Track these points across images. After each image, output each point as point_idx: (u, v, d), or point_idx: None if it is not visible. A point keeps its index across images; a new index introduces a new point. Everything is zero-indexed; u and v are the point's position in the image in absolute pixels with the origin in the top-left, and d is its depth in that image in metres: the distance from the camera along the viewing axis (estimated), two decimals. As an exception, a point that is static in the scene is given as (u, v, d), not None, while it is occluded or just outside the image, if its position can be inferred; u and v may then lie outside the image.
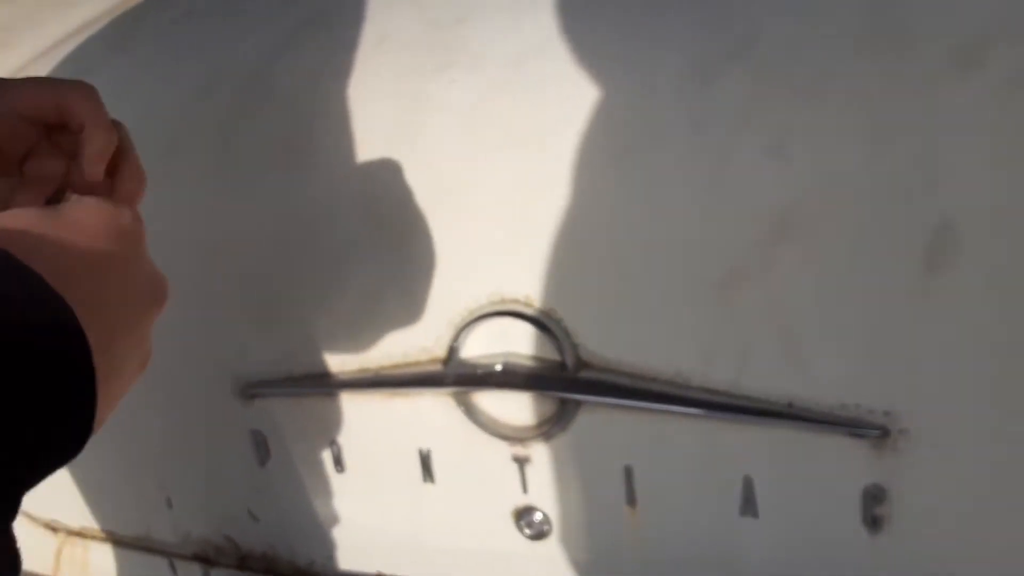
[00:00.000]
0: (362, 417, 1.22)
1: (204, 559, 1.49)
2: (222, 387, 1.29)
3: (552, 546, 1.19)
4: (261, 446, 1.31)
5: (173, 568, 1.53)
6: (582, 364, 1.07)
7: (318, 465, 1.28)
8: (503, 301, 1.07)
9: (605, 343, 1.05)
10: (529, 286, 1.06)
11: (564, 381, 1.07)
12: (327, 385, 1.19)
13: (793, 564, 1.08)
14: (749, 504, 1.06)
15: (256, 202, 1.21)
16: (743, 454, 1.04)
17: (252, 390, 1.26)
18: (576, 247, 1.03)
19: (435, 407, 1.16)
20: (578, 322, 1.05)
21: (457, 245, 1.09)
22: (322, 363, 1.20)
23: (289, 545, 1.40)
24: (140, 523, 1.52)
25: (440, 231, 1.09)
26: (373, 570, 1.35)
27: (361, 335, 1.16)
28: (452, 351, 1.10)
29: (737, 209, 0.97)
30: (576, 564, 1.19)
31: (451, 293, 1.09)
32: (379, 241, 1.12)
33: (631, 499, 1.11)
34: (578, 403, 1.09)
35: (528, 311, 1.05)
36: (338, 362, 1.18)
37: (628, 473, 1.10)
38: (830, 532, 1.04)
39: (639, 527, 1.13)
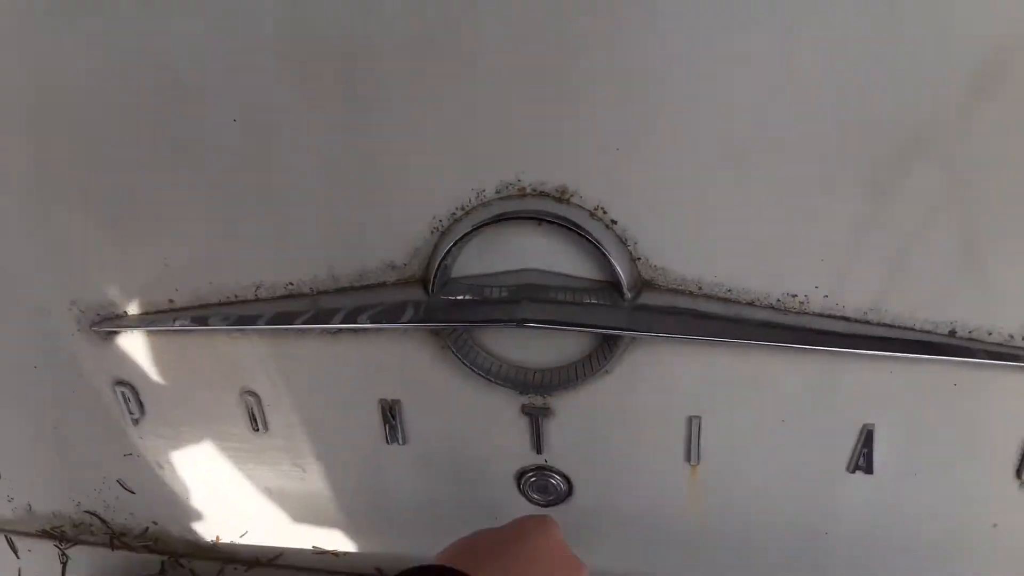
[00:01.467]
0: (295, 361, 0.88)
1: (57, 536, 1.15)
2: (66, 321, 0.90)
3: (571, 511, 0.93)
4: (131, 400, 0.94)
5: (12, 546, 1.17)
6: (643, 285, 0.76)
7: (224, 422, 0.94)
8: (522, 193, 0.72)
9: (680, 255, 0.75)
10: (569, 171, 0.72)
11: (616, 310, 0.76)
12: (235, 318, 0.83)
13: (913, 528, 0.87)
14: (863, 459, 0.82)
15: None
16: (866, 397, 0.79)
17: (110, 325, 0.88)
18: (645, 115, 0.70)
19: (408, 347, 0.85)
20: (642, 225, 0.73)
21: (449, 106, 0.72)
22: (226, 286, 0.83)
23: (181, 519, 1.08)
24: (-47, 496, 1.15)
25: (424, 84, 0.71)
26: (308, 545, 1.06)
27: (290, 243, 0.80)
28: (439, 268, 0.76)
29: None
30: (597, 531, 0.95)
31: (435, 180, 0.74)
32: (322, 96, 0.73)
33: (693, 455, 0.86)
34: (631, 339, 0.79)
35: (563, 210, 0.72)
36: (252, 284, 0.82)
37: (692, 425, 0.84)
38: (969, 487, 0.83)
39: (700, 490, 0.88)
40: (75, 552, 1.18)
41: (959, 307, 0.73)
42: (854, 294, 0.74)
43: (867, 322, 0.75)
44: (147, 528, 1.12)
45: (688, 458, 0.88)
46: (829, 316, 0.75)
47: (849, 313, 0.75)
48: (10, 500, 1.14)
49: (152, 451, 1.01)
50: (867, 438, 0.83)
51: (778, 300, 0.75)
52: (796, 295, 0.75)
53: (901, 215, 0.69)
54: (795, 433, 0.84)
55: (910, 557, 0.93)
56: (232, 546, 1.11)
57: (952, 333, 0.75)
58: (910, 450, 0.83)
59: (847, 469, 0.86)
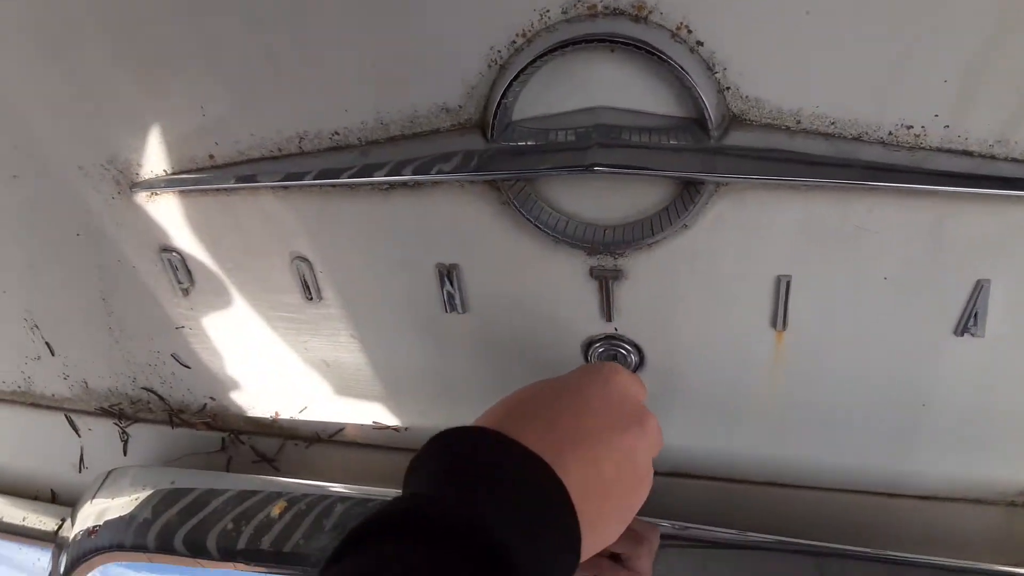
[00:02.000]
0: (346, 220, 0.82)
1: (116, 414, 1.14)
2: (105, 182, 0.85)
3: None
4: (178, 268, 0.90)
5: (73, 425, 1.17)
6: (732, 121, 0.67)
7: (276, 291, 0.89)
8: (592, 12, 0.63)
9: (776, 82, 0.65)
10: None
11: (700, 152, 0.67)
12: (281, 174, 0.77)
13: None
14: (974, 320, 0.74)
15: None
16: (984, 249, 0.70)
17: (151, 186, 0.83)
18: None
19: (465, 203, 0.78)
20: (732, 47, 0.64)
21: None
22: (268, 138, 0.77)
23: (239, 395, 1.05)
24: (14, 374, 1.14)
25: None
26: (367, 420, 1.03)
27: (332, 84, 0.72)
28: (498, 109, 0.68)
29: None
30: (671, 405, 0.89)
31: (491, 2, 0.65)
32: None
33: (779, 320, 0.78)
34: (717, 185, 0.71)
35: (640, 31, 0.63)
36: (296, 134, 0.76)
37: (780, 286, 0.76)
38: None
39: (786, 359, 0.81)
40: (135, 430, 1.17)
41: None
42: (980, 123, 0.64)
43: (992, 157, 0.65)
44: (205, 404, 1.10)
45: (774, 323, 0.80)
46: (949, 151, 0.65)
47: (972, 146, 0.65)
48: (65, 378, 1.13)
49: (205, 324, 0.98)
50: (980, 296, 0.74)
51: (890, 133, 0.65)
52: (912, 126, 0.65)
53: None
54: (898, 292, 0.75)
55: (1016, 429, 0.85)
56: (292, 422, 1.08)
57: (1094, 169, 0.65)
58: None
59: (954, 332, 0.77)
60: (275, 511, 0.95)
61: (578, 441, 0.61)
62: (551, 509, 0.55)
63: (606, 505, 0.61)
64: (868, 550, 0.85)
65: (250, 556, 0.95)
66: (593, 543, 0.60)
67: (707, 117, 0.66)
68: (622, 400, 0.67)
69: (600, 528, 0.61)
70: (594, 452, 0.61)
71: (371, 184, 0.77)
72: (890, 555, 0.85)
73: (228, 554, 0.96)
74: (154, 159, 0.82)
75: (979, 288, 0.73)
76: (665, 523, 0.88)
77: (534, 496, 0.55)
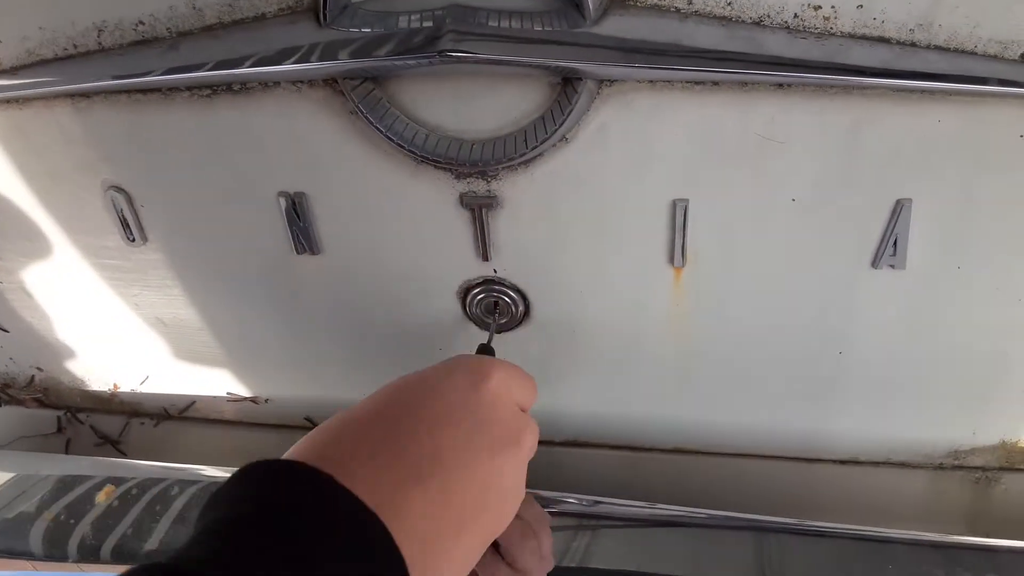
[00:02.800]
0: (162, 136, 0.68)
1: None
2: None
3: (529, 337, 0.76)
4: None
5: None
6: (613, 1, 0.56)
7: (92, 232, 0.76)
8: None
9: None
10: None
11: (576, 40, 0.56)
12: (79, 77, 0.63)
13: (951, 345, 0.70)
14: (893, 248, 0.65)
15: None
16: (903, 160, 0.61)
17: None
18: None
19: (305, 113, 0.65)
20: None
21: None
22: (61, 31, 0.63)
23: (70, 364, 0.91)
24: None
25: None
26: (220, 392, 0.89)
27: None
28: (332, -12, 0.56)
29: None
30: (560, 362, 0.78)
31: None
32: None
33: (676, 255, 0.68)
34: (598, 86, 0.60)
35: None
36: (93, 26, 0.62)
37: (676, 212, 0.66)
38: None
39: (685, 301, 0.71)
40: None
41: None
42: (898, 2, 0.54)
43: (913, 45, 0.56)
44: (33, 376, 0.95)
45: (671, 259, 0.70)
46: (863, 38, 0.56)
47: (890, 32, 0.56)
48: None
49: (17, 275, 0.83)
50: (900, 219, 0.65)
51: (795, 16, 0.55)
52: (820, 6, 0.55)
53: None
54: (807, 216, 0.65)
55: (943, 381, 0.77)
56: (134, 396, 0.94)
57: (1027, 56, 0.56)
58: (954, 234, 0.65)
59: (872, 264, 0.68)
60: (100, 497, 0.82)
61: (430, 472, 0.48)
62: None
63: (462, 539, 0.49)
64: (787, 520, 0.76)
65: (84, 553, 0.82)
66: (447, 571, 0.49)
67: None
68: (494, 408, 0.55)
69: (453, 564, 0.49)
70: (448, 483, 0.49)
71: (187, 87, 0.64)
72: (810, 525, 0.76)
73: (55, 551, 0.82)
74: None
75: (899, 209, 0.64)
76: (571, 498, 0.78)
77: (349, 559, 0.42)
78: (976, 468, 0.82)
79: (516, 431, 0.54)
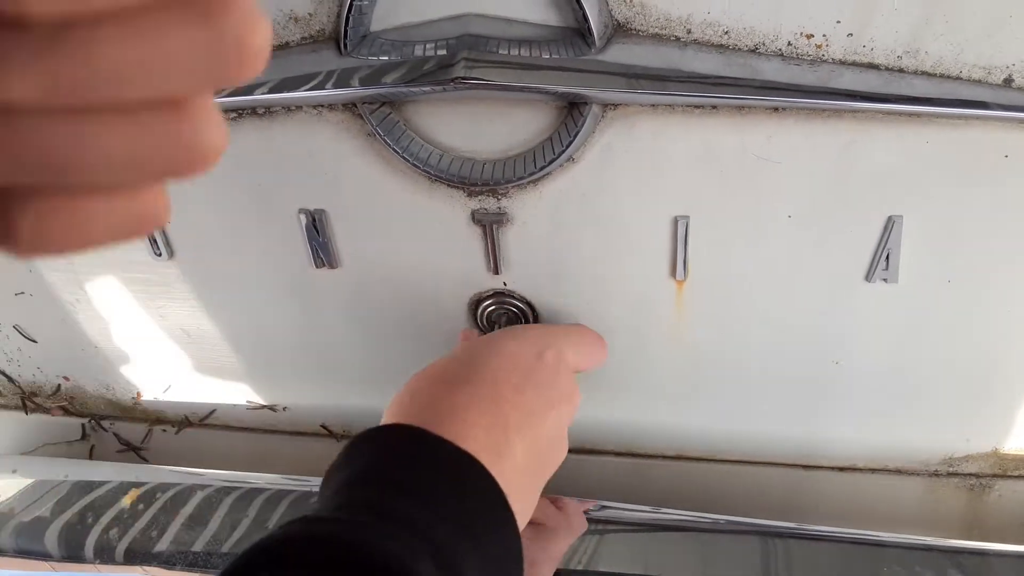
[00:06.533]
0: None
1: (-39, 400, 1.02)
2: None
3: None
4: None
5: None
6: (617, 30, 0.59)
7: (120, 248, 0.79)
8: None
9: (662, -16, 0.58)
10: None
11: (582, 67, 0.60)
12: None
13: (945, 354, 0.73)
14: (886, 262, 0.68)
15: None
16: (894, 179, 0.64)
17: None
18: None
19: (326, 135, 0.69)
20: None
21: None
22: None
23: (95, 374, 0.94)
24: None
25: None
26: (241, 400, 0.93)
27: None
28: (350, 15, 0.59)
29: None
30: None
31: None
32: None
33: (678, 269, 0.71)
34: (603, 109, 0.63)
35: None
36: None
37: (678, 228, 0.69)
38: (1020, 300, 0.68)
39: (687, 312, 0.74)
40: (-10, 416, 1.06)
41: (1019, 44, 0.57)
42: (886, 31, 0.57)
43: (901, 71, 0.59)
44: (59, 385, 0.99)
45: (673, 272, 0.73)
46: (854, 64, 0.59)
47: (879, 59, 0.59)
48: None
49: (46, 288, 0.86)
50: (892, 234, 0.68)
51: (789, 44, 0.59)
52: (812, 35, 0.58)
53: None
54: (803, 232, 0.68)
55: (937, 390, 0.80)
56: (157, 404, 0.98)
57: (1008, 81, 0.59)
58: (945, 249, 0.68)
59: (865, 278, 0.71)
60: (126, 501, 0.85)
61: (522, 424, 0.57)
62: (490, 525, 0.50)
63: (540, 477, 0.60)
64: (787, 524, 0.78)
65: (101, 555, 0.85)
66: (531, 510, 0.59)
67: (588, 26, 0.59)
68: (556, 373, 0.63)
69: (535, 497, 0.59)
70: (536, 431, 0.58)
71: (214, 111, 0.68)
72: (809, 530, 0.79)
73: (73, 553, 0.85)
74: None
75: (890, 225, 0.67)
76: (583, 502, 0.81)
77: (467, 512, 0.49)
78: (970, 475, 0.84)
79: (570, 392, 0.64)
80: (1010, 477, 0.83)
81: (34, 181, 0.24)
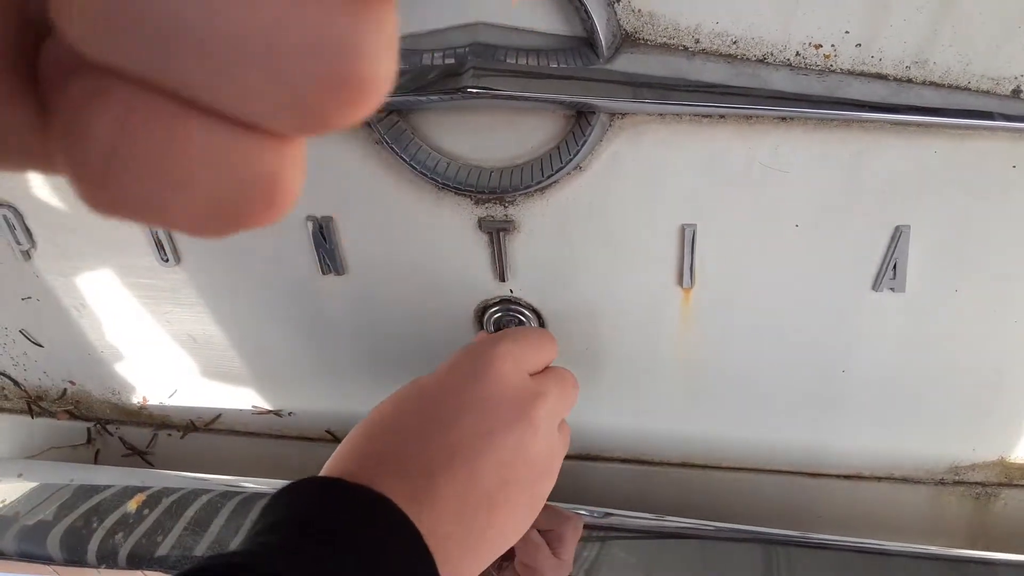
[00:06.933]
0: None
1: (-31, 403, 1.02)
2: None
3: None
4: (16, 227, 0.79)
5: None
6: (625, 39, 0.59)
7: (128, 253, 0.79)
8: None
9: (671, -6, 0.58)
10: None
11: (589, 77, 0.60)
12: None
13: (951, 364, 0.73)
14: (893, 272, 0.68)
15: None
16: (902, 188, 0.64)
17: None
18: None
19: (334, 142, 0.69)
20: (620, -50, 0.56)
21: None
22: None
23: (101, 378, 0.94)
24: None
25: None
26: (246, 405, 0.93)
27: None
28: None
29: None
30: (581, 378, 0.81)
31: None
32: None
33: (685, 277, 0.71)
34: (611, 118, 0.63)
35: (517, -69, 0.55)
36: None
37: (685, 237, 0.69)
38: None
39: (694, 320, 0.74)
40: (-4, 419, 1.06)
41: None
42: (894, 41, 0.57)
43: (909, 81, 0.59)
44: (65, 390, 0.99)
45: (680, 280, 0.73)
46: (862, 74, 0.59)
47: (887, 69, 0.59)
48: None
49: (52, 293, 0.86)
50: (899, 244, 0.68)
51: (797, 54, 0.59)
52: (820, 45, 0.58)
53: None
54: (810, 241, 0.68)
55: (944, 399, 0.79)
56: (163, 408, 0.97)
57: (1017, 92, 0.59)
58: (952, 259, 0.68)
59: (873, 287, 0.70)
60: (132, 505, 0.85)
61: (448, 460, 0.54)
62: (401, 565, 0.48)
63: (496, 515, 0.55)
64: (793, 533, 0.78)
65: (104, 559, 0.85)
66: (488, 552, 0.55)
67: (596, 35, 0.59)
68: (503, 389, 0.59)
69: (494, 537, 0.55)
70: (470, 466, 0.54)
71: (222, 118, 0.68)
72: (815, 538, 0.79)
73: (75, 558, 0.85)
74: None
75: (898, 234, 0.67)
76: (583, 510, 0.80)
77: (378, 554, 0.48)
78: (976, 484, 0.84)
79: (525, 404, 0.58)
80: (1016, 486, 0.83)
81: (139, 61, 0.18)
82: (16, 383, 1.00)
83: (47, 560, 0.82)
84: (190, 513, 0.84)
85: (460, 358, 0.61)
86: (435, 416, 0.56)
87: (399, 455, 0.53)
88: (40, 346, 0.94)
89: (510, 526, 0.56)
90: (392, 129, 0.66)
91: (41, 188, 0.77)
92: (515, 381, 0.59)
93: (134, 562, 0.85)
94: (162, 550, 0.83)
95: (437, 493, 0.51)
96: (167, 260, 0.79)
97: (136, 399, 0.98)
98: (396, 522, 0.48)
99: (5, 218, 0.79)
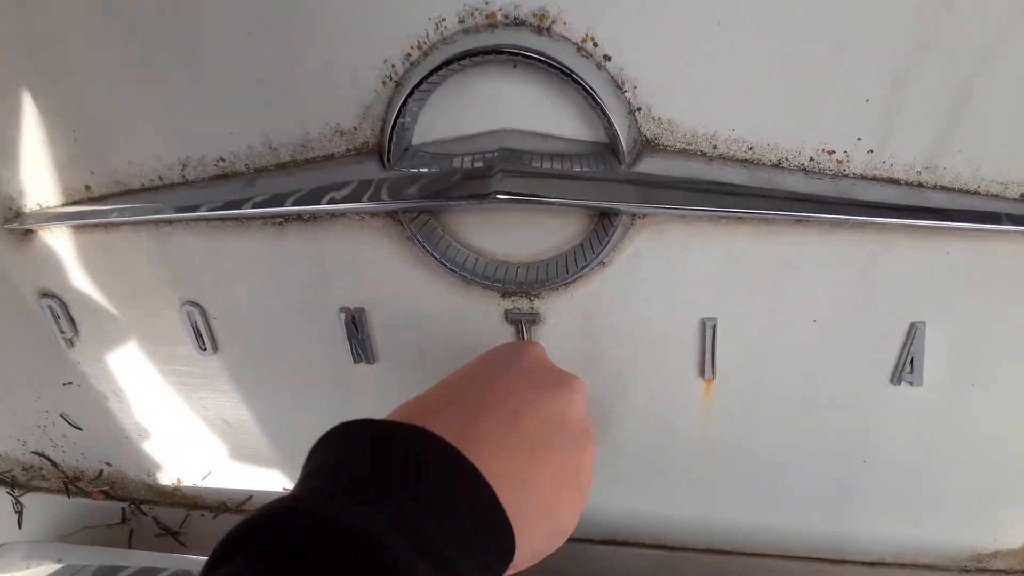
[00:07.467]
0: (237, 260, 0.73)
1: (8, 482, 1.02)
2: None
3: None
4: (60, 316, 0.81)
5: (-39, 495, 1.05)
6: (646, 145, 0.61)
7: (167, 342, 0.80)
8: (492, 21, 0.57)
9: (690, 102, 0.59)
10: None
11: (611, 180, 0.61)
12: (163, 208, 0.68)
13: (971, 455, 0.72)
14: (910, 366, 0.67)
15: None
16: (916, 287, 0.64)
17: (24, 221, 0.74)
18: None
19: (367, 239, 0.70)
20: (642, 63, 0.58)
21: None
22: (147, 165, 0.69)
23: (137, 460, 0.94)
24: None
25: None
26: (277, 487, 0.92)
27: (214, 102, 0.65)
28: (394, 131, 0.61)
29: None
30: (599, 463, 0.80)
31: (382, 9, 0.59)
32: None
33: (706, 368, 0.71)
34: (633, 217, 0.64)
35: (544, 44, 0.57)
36: (177, 161, 0.68)
37: (705, 330, 0.69)
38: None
39: (715, 411, 0.73)
40: (30, 500, 1.04)
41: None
42: (905, 148, 0.58)
43: (920, 185, 0.60)
44: (101, 471, 0.99)
45: (701, 371, 0.73)
46: (874, 179, 0.60)
47: (899, 174, 0.59)
48: (-55, 444, 1.02)
49: (93, 379, 0.87)
50: (915, 340, 0.67)
51: (811, 159, 0.60)
52: (834, 151, 0.59)
53: (966, 36, 0.54)
54: (829, 337, 0.68)
55: (963, 489, 0.78)
56: (196, 490, 0.97)
57: (1026, 196, 0.59)
58: (967, 355, 0.67)
59: (891, 381, 0.70)
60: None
61: (493, 406, 0.53)
62: (462, 497, 0.46)
63: (540, 465, 0.52)
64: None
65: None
66: (540, 504, 0.52)
67: (618, 141, 0.60)
68: (540, 364, 0.60)
69: (542, 487, 0.52)
70: (512, 410, 0.53)
71: (262, 217, 0.69)
72: None
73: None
74: (27, 192, 0.73)
75: (914, 331, 0.66)
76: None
77: (433, 492, 0.45)
78: (1000, 571, 0.81)
79: (563, 376, 0.59)
80: (1040, 576, 0.81)
81: None
82: (54, 464, 1.00)
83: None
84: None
85: (498, 347, 0.62)
86: (480, 377, 0.57)
87: (447, 406, 0.53)
88: (79, 429, 0.94)
89: (557, 480, 0.54)
90: (423, 228, 0.67)
91: (84, 281, 0.78)
92: (552, 366, 0.60)
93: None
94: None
95: (480, 432, 0.50)
96: (205, 349, 0.80)
97: (170, 480, 0.97)
98: (449, 455, 0.47)
99: (51, 308, 0.81)
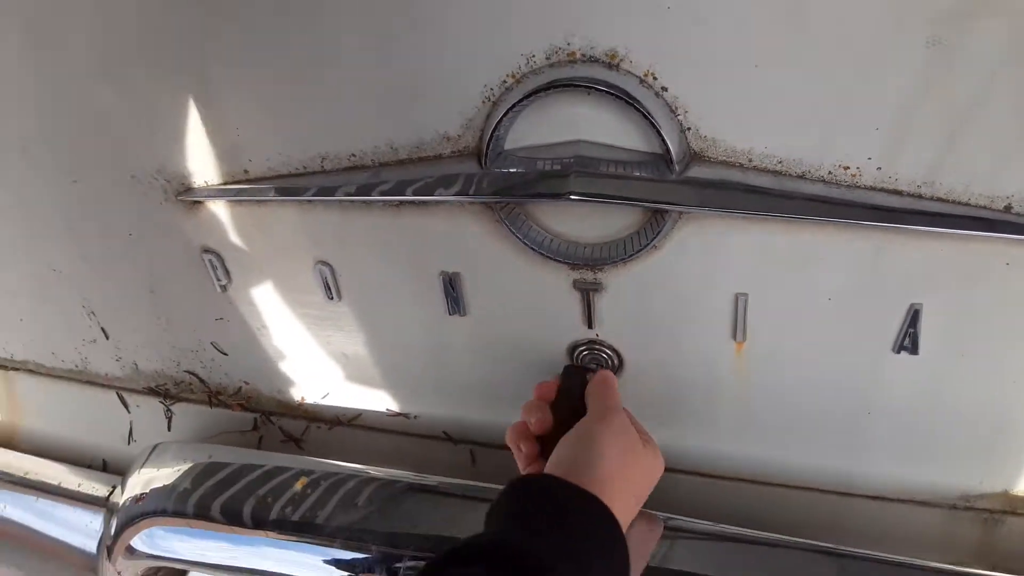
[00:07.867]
0: (362, 232, 0.90)
1: (162, 393, 1.23)
2: (154, 190, 0.93)
3: (622, 385, 0.93)
4: (218, 267, 0.98)
5: (124, 402, 1.26)
6: (692, 157, 0.73)
7: (302, 291, 0.97)
8: (572, 58, 0.70)
9: (730, 124, 0.72)
10: (619, 34, 0.69)
11: (664, 183, 0.73)
12: (306, 189, 0.84)
13: (957, 411, 0.84)
14: (909, 339, 0.79)
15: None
16: (915, 276, 0.76)
17: (193, 195, 0.91)
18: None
19: (464, 221, 0.85)
20: (692, 93, 0.70)
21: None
22: (294, 157, 0.85)
23: (270, 380, 1.13)
24: (72, 354, 1.23)
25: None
26: (382, 408, 1.10)
27: (348, 113, 0.80)
28: (491, 140, 0.75)
29: None
30: (647, 404, 0.94)
31: (484, 46, 0.73)
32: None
33: (738, 333, 0.84)
34: (680, 213, 0.77)
35: (613, 77, 0.69)
36: (318, 155, 0.84)
37: (738, 302, 0.82)
38: (1019, 371, 0.79)
39: (745, 366, 0.87)
40: (178, 408, 1.25)
41: (1017, 181, 0.68)
42: (908, 166, 0.69)
43: (920, 196, 0.71)
44: (240, 388, 1.18)
45: (734, 335, 0.86)
46: (881, 190, 0.71)
47: (902, 186, 0.70)
48: (118, 359, 1.22)
49: (240, 316, 1.06)
50: (914, 318, 0.79)
51: (830, 173, 0.71)
52: (848, 167, 0.70)
53: (960, 79, 0.64)
54: (841, 311, 0.80)
55: (953, 440, 0.90)
56: (316, 406, 1.16)
57: (1008, 208, 0.69)
58: (957, 331, 0.79)
59: (893, 349, 0.82)
60: (298, 485, 1.03)
61: (619, 472, 0.76)
62: (601, 539, 0.71)
63: (636, 505, 0.79)
64: (823, 544, 0.88)
65: (278, 525, 1.03)
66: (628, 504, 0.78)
67: (670, 153, 0.73)
68: (631, 436, 0.80)
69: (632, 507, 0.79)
70: (625, 472, 0.77)
71: (383, 201, 0.85)
72: (842, 550, 0.89)
73: (259, 523, 1.03)
74: (197, 172, 0.91)
75: (912, 311, 0.78)
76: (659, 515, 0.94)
77: (586, 529, 0.70)
78: (984, 510, 0.94)
79: (638, 440, 0.81)
80: (1019, 515, 0.93)
81: None
82: (202, 380, 1.20)
83: (242, 525, 1.00)
84: (340, 493, 1.02)
85: (613, 429, 0.80)
86: (608, 453, 0.77)
87: (587, 467, 0.75)
88: (225, 354, 1.13)
89: (644, 493, 0.81)
90: (510, 214, 0.81)
91: (239, 242, 0.96)
92: (633, 432, 0.81)
93: (300, 529, 1.02)
94: (320, 520, 1.00)
95: (613, 489, 0.73)
96: (332, 298, 0.97)
97: (296, 398, 1.16)
98: (595, 506, 0.71)
99: (210, 261, 0.99)
